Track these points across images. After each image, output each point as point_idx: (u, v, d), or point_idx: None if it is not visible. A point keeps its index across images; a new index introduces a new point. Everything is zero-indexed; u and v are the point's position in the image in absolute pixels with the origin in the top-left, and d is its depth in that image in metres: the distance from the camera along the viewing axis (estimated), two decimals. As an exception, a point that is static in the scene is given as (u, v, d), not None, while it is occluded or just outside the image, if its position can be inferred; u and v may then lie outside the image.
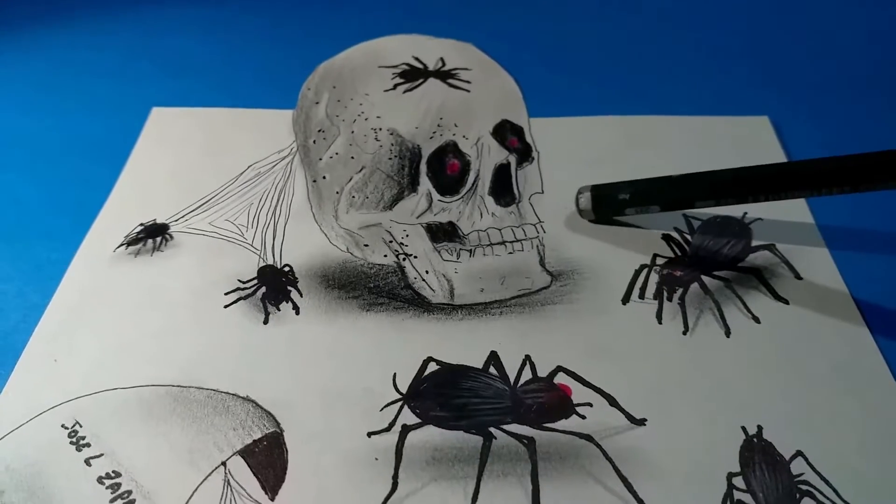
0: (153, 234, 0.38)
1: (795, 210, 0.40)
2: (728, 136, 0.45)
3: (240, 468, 0.29)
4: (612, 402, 0.31)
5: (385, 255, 0.38)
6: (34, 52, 0.52)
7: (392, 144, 0.42)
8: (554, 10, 0.57)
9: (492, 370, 0.33)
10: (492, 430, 0.30)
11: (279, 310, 0.35)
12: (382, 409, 0.31)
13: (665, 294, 0.36)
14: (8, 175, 0.43)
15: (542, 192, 0.41)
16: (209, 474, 0.29)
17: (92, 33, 0.54)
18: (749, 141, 0.44)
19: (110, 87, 0.49)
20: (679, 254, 0.38)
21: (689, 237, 0.39)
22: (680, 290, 0.36)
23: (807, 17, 0.55)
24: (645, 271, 0.37)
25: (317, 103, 0.46)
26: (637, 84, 0.49)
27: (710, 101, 0.47)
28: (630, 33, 0.54)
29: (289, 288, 0.36)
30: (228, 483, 0.28)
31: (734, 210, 0.40)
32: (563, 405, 0.31)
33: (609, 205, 0.38)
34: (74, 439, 0.30)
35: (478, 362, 0.33)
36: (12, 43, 0.53)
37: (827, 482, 0.29)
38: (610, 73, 0.50)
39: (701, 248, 0.38)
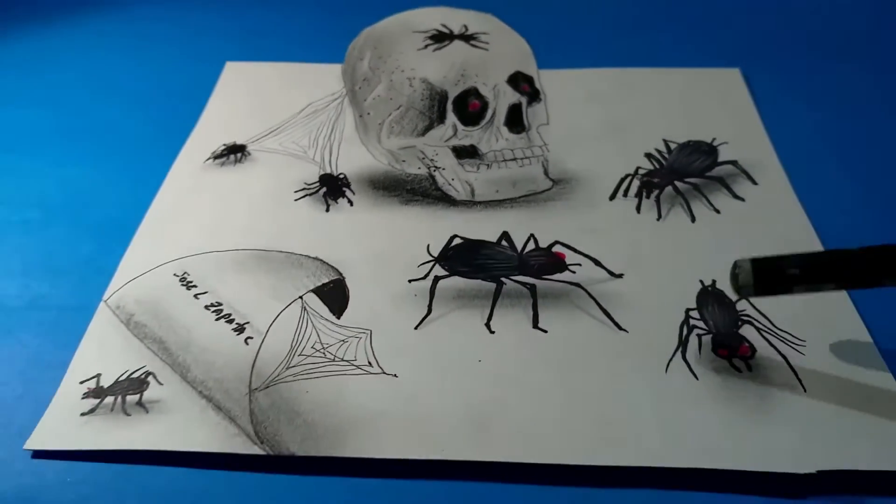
0: (234, 151, 0.48)
1: (756, 139, 0.49)
2: (701, 87, 0.54)
3: (313, 300, 0.38)
4: (598, 262, 0.40)
5: (419, 168, 0.47)
6: (136, 16, 0.63)
7: (424, 89, 0.52)
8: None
9: (503, 243, 0.42)
10: (503, 279, 0.39)
11: (337, 203, 0.45)
12: (419, 266, 0.40)
13: (644, 193, 0.45)
14: (115, 110, 0.53)
15: (548, 124, 0.51)
16: (289, 304, 0.38)
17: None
18: (720, 91, 0.53)
19: (192, 46, 0.59)
20: (657, 167, 0.47)
21: (666, 155, 0.48)
22: (656, 192, 0.45)
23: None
24: (629, 178, 0.46)
25: (361, 59, 0.55)
26: (625, 40, 0.59)
27: (683, 53, 0.56)
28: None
29: (343, 188, 0.45)
30: (304, 309, 0.38)
31: (705, 137, 0.49)
32: (559, 265, 0.40)
33: (774, 280, 0.33)
34: (185, 283, 0.39)
35: (493, 239, 0.42)
36: (116, 8, 0.64)
37: (764, 315, 0.37)
38: (603, 31, 0.60)
39: (675, 163, 0.47)
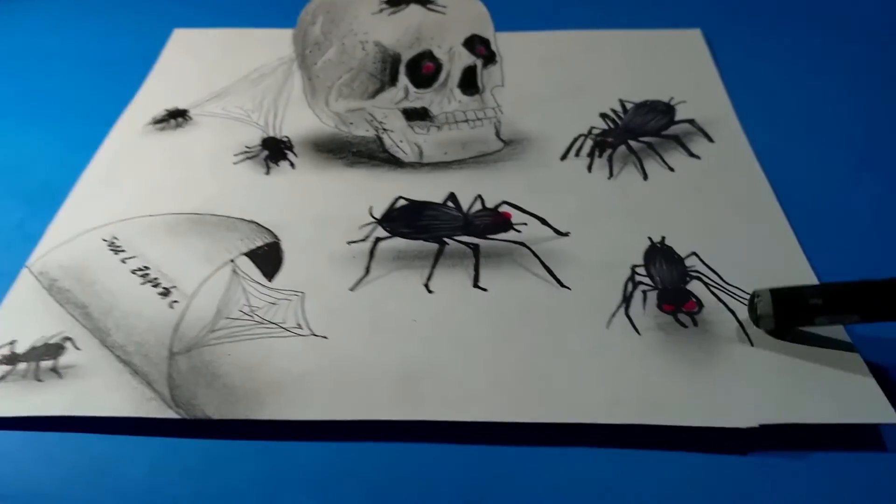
0: (175, 116, 0.46)
1: (715, 99, 0.47)
2: (661, 48, 0.52)
3: (245, 263, 0.37)
4: (544, 221, 0.39)
5: (367, 130, 0.46)
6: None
7: (377, 53, 0.50)
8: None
9: (449, 204, 0.40)
10: (445, 239, 0.38)
11: (278, 166, 0.43)
12: (361, 228, 0.39)
13: (597, 153, 0.43)
14: (58, 77, 0.51)
15: (503, 86, 0.49)
16: (220, 267, 0.36)
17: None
18: (680, 51, 0.52)
19: (138, 13, 0.57)
20: (612, 127, 0.45)
21: (622, 115, 0.46)
22: (609, 151, 0.43)
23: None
24: (582, 138, 0.44)
25: (313, 24, 0.54)
26: (581, 3, 0.57)
27: (644, 14, 0.55)
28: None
29: (286, 151, 0.44)
30: (235, 271, 0.36)
31: (663, 97, 0.47)
32: (504, 224, 0.39)
33: (795, 311, 0.31)
34: (113, 248, 0.38)
35: (439, 201, 0.40)
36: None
37: (713, 270, 0.36)
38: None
39: (631, 122, 0.45)
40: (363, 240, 0.38)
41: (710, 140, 0.44)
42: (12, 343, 0.33)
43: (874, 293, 0.31)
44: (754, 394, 0.30)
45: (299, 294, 0.35)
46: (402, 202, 0.40)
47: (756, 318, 0.32)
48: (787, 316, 0.31)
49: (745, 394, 0.30)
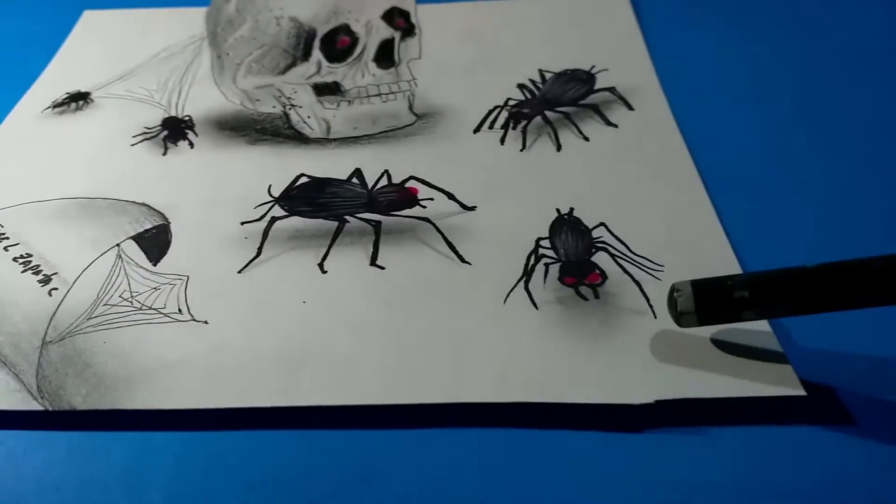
0: (76, 99, 0.44)
1: (639, 66, 0.45)
2: (585, 13, 0.50)
3: (131, 248, 0.35)
4: (451, 196, 0.37)
5: (273, 107, 0.44)
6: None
7: (291, 28, 0.48)
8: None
9: (354, 180, 0.39)
10: (346, 217, 0.36)
11: (177, 146, 0.41)
12: (256, 208, 0.37)
13: (511, 125, 0.42)
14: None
15: (420, 58, 0.47)
16: (104, 252, 0.34)
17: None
18: (605, 17, 0.50)
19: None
20: (529, 97, 0.44)
21: (540, 86, 0.45)
22: (524, 122, 0.42)
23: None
24: (497, 110, 0.43)
25: (227, 1, 0.52)
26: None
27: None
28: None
29: (186, 131, 0.42)
30: (120, 256, 0.34)
31: (586, 66, 0.46)
32: (409, 200, 0.37)
33: (719, 304, 0.28)
34: (-4, 236, 0.36)
35: (344, 177, 0.39)
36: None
37: (622, 242, 0.34)
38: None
39: (548, 92, 0.44)
40: (258, 220, 0.36)
41: (630, 108, 0.42)
42: None
43: (806, 283, 0.27)
44: (654, 368, 0.29)
45: (183, 278, 0.33)
46: (303, 179, 0.39)
47: (678, 316, 0.29)
48: (710, 312, 0.28)
49: (644, 368, 0.29)
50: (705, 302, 0.28)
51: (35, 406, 0.28)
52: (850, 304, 0.27)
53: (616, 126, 0.41)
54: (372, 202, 0.37)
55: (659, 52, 0.47)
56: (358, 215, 0.36)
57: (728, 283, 0.28)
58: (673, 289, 0.29)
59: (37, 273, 0.34)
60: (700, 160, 0.39)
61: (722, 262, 0.33)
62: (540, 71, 0.46)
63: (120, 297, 0.32)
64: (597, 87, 0.44)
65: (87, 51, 0.49)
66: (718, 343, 0.30)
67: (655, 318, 0.31)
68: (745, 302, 0.28)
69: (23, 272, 0.34)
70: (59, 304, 0.32)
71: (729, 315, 0.28)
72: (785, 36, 0.49)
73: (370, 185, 0.38)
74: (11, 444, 0.27)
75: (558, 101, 0.43)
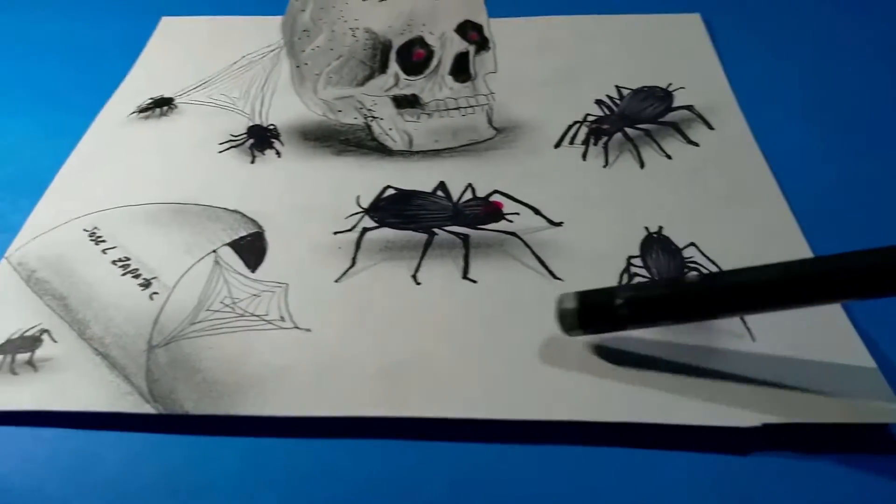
0: (160, 104, 0.45)
1: (715, 84, 0.46)
2: (660, 33, 0.51)
3: (228, 254, 0.35)
4: (536, 211, 0.38)
5: (355, 118, 0.45)
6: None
7: (367, 39, 0.49)
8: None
9: (439, 193, 0.39)
10: (435, 230, 0.37)
11: (264, 154, 0.42)
12: (347, 218, 0.37)
13: (592, 140, 0.42)
14: (42, 65, 0.50)
15: (496, 72, 0.48)
16: (202, 258, 0.35)
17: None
18: (679, 36, 0.50)
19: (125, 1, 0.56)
20: (607, 113, 0.44)
21: (618, 102, 0.45)
22: (605, 138, 0.42)
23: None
24: (577, 125, 0.43)
25: (302, 10, 0.52)
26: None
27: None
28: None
29: (272, 140, 0.43)
30: (217, 262, 0.35)
31: (661, 83, 0.46)
32: (495, 213, 0.38)
33: (600, 316, 0.29)
34: (94, 238, 0.36)
35: (429, 189, 0.39)
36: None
37: (712, 262, 0.35)
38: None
39: (627, 109, 0.44)
40: (350, 230, 0.37)
41: (710, 127, 0.43)
42: (-12, 336, 0.32)
43: (689, 297, 0.29)
44: (756, 391, 0.29)
45: (283, 285, 0.34)
46: (390, 191, 0.39)
47: (564, 327, 0.30)
48: (592, 321, 0.30)
49: (747, 391, 0.29)
50: (587, 312, 0.30)
51: (148, 409, 0.29)
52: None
53: (697, 145, 0.41)
54: (458, 215, 0.38)
55: (733, 70, 0.47)
56: (446, 228, 0.37)
57: (607, 294, 0.29)
58: (559, 301, 0.30)
59: (136, 277, 0.34)
60: (781, 178, 0.39)
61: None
62: (617, 87, 0.46)
63: (221, 302, 0.33)
64: (674, 105, 0.44)
65: (167, 57, 0.50)
66: (821, 367, 0.30)
67: (754, 340, 0.31)
68: (625, 317, 0.29)
69: (122, 275, 0.35)
70: (162, 308, 0.33)
71: (612, 324, 0.30)
72: (859, 52, 0.49)
73: (455, 199, 0.39)
74: (127, 447, 0.28)
75: (637, 118, 0.43)
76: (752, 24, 0.52)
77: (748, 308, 0.29)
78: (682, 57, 0.48)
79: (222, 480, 0.27)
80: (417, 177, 0.40)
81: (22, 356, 0.31)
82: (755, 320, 0.31)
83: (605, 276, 0.34)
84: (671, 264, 0.35)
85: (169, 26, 0.53)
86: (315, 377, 0.30)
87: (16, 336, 0.32)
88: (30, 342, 0.32)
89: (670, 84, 0.46)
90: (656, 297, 0.29)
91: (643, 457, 0.28)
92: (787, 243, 0.35)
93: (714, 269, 0.34)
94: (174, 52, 0.50)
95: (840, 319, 0.31)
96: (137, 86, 0.47)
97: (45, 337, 0.32)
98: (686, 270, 0.34)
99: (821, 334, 0.31)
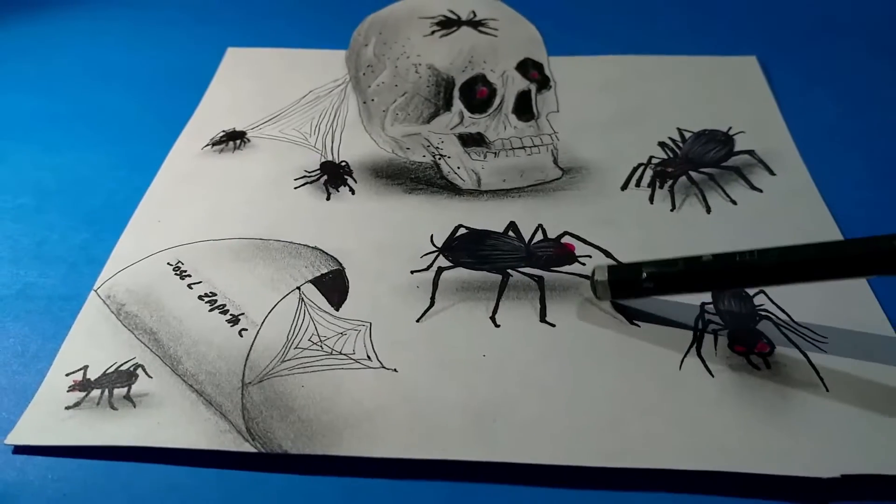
0: (233, 138, 0.47)
1: (774, 129, 0.47)
2: (717, 75, 0.52)
3: (311, 291, 0.37)
4: (608, 254, 0.38)
5: (423, 156, 0.46)
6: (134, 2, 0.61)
7: (430, 76, 0.50)
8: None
9: (510, 234, 0.40)
10: (509, 271, 0.38)
11: (338, 191, 0.43)
12: (422, 257, 0.39)
13: (657, 183, 0.43)
14: (113, 96, 0.51)
15: (558, 111, 0.49)
16: (286, 294, 0.36)
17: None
18: (736, 78, 0.51)
19: (192, 32, 0.58)
20: (671, 156, 0.45)
21: (680, 144, 0.46)
22: (670, 181, 0.43)
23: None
24: (641, 168, 0.44)
25: (366, 45, 0.54)
26: (638, 27, 0.57)
27: (701, 41, 0.54)
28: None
29: (345, 176, 0.44)
30: (302, 300, 0.36)
31: (721, 126, 0.47)
32: (568, 256, 0.39)
33: (629, 287, 0.34)
34: (178, 272, 0.38)
35: (499, 229, 0.40)
36: None
37: (782, 309, 0.35)
38: (616, 18, 0.58)
39: (690, 152, 0.45)
40: (426, 269, 0.38)
41: (772, 173, 0.43)
42: (85, 369, 0.33)
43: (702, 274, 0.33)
44: (833, 441, 0.30)
45: (366, 324, 0.35)
46: (462, 231, 0.40)
47: (595, 291, 0.35)
48: (622, 291, 0.34)
49: (824, 441, 0.30)
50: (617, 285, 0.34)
51: (248, 448, 0.30)
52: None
53: (760, 191, 0.42)
54: (531, 257, 0.39)
55: (791, 114, 0.48)
56: (519, 269, 0.38)
57: (635, 270, 0.34)
58: (592, 272, 0.35)
59: (224, 312, 0.35)
60: (843, 225, 0.40)
61: (877, 330, 0.34)
62: (679, 130, 0.47)
63: (309, 340, 0.34)
64: (736, 149, 0.45)
65: (235, 89, 0.51)
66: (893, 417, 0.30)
67: (827, 391, 0.32)
68: (650, 289, 0.34)
69: (210, 311, 0.36)
70: (252, 345, 0.34)
71: (638, 294, 0.35)
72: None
73: (527, 240, 0.40)
74: (227, 484, 0.29)
75: (700, 162, 0.44)
76: (806, 66, 0.53)
77: (751, 283, 0.34)
78: (740, 100, 0.49)
79: (321, 520, 0.28)
80: (487, 216, 0.41)
81: (119, 391, 0.32)
82: (828, 373, 0.32)
83: (679, 321, 0.35)
84: (743, 310, 0.35)
85: (235, 57, 0.55)
86: (406, 419, 0.31)
87: (111, 370, 0.33)
88: (125, 376, 0.33)
89: (730, 128, 0.47)
90: (676, 273, 0.34)
91: (726, 505, 0.29)
92: (853, 291, 0.36)
93: (784, 317, 0.35)
94: (242, 85, 0.52)
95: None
96: (208, 118, 0.49)
97: (139, 371, 0.33)
98: (758, 318, 0.35)
99: (892, 386, 0.32)
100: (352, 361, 0.33)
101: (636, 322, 0.35)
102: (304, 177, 0.44)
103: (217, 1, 0.61)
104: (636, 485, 0.29)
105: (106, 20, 0.60)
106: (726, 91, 0.50)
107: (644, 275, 0.33)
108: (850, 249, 0.32)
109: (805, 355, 0.33)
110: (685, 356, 0.33)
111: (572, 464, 0.29)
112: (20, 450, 0.31)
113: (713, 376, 0.32)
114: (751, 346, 0.34)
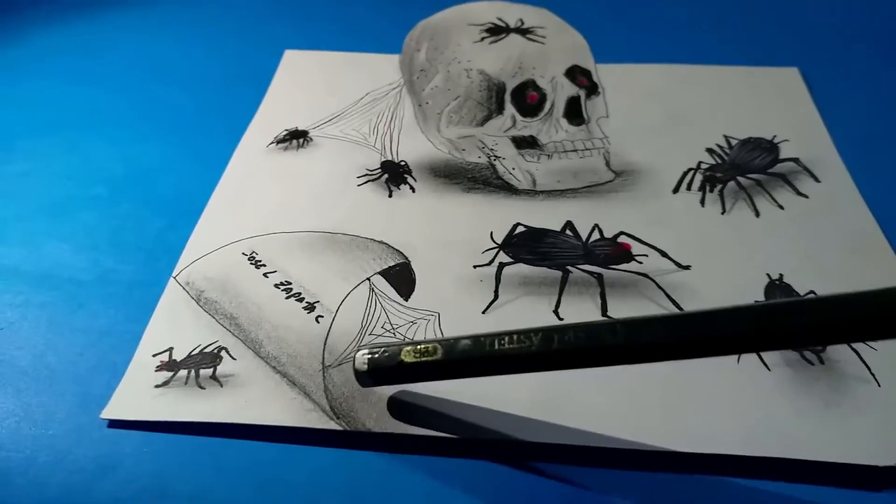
0: (296, 136, 0.49)
1: (817, 138, 0.48)
2: (760, 85, 0.53)
3: (381, 282, 0.38)
4: (664, 254, 0.40)
5: (479, 157, 0.47)
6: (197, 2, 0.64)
7: (481, 81, 0.52)
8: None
9: (567, 232, 0.42)
10: (569, 268, 0.39)
11: (399, 189, 0.45)
12: (484, 252, 0.40)
13: (707, 187, 0.45)
14: (176, 93, 0.53)
15: (608, 117, 0.51)
16: (357, 285, 0.38)
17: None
18: (779, 89, 0.53)
19: (251, 33, 0.60)
20: (719, 162, 0.47)
21: (727, 151, 0.48)
22: (720, 186, 0.45)
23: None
24: (691, 172, 0.46)
25: (418, 51, 0.56)
26: (682, 36, 0.59)
27: (744, 51, 0.56)
28: None
29: (405, 175, 0.46)
30: (373, 290, 0.38)
31: (765, 134, 0.49)
32: (625, 255, 0.40)
33: (387, 375, 0.31)
34: (253, 262, 0.40)
35: (556, 228, 0.42)
36: None
37: (832, 310, 0.37)
38: (660, 27, 0.60)
39: (737, 158, 0.47)
40: (488, 264, 0.40)
41: (816, 180, 0.45)
42: (170, 350, 0.35)
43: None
44: (887, 432, 0.31)
45: (435, 314, 0.37)
46: (521, 228, 0.42)
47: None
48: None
49: (878, 432, 0.31)
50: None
51: (333, 426, 0.31)
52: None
53: (806, 196, 0.44)
54: (589, 254, 0.40)
55: (833, 124, 0.49)
56: (578, 266, 0.40)
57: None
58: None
59: (300, 300, 0.37)
60: (888, 230, 0.41)
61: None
62: (725, 136, 0.48)
63: (382, 328, 0.36)
64: (781, 157, 0.47)
65: (295, 90, 0.53)
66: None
67: (879, 385, 0.33)
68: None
69: (286, 298, 0.37)
70: (329, 331, 0.36)
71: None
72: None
73: (584, 238, 0.41)
74: (315, 461, 0.31)
75: (747, 168, 0.46)
76: (849, 77, 0.54)
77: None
78: (783, 109, 0.51)
79: (403, 496, 0.30)
80: (544, 215, 0.43)
81: (205, 371, 0.34)
82: (879, 368, 0.34)
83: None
84: (796, 311, 0.37)
85: (292, 59, 0.57)
86: (477, 402, 0.32)
87: (195, 352, 0.35)
88: (210, 358, 0.34)
89: (775, 136, 0.48)
90: (430, 363, 0.30)
91: (779, 489, 0.30)
92: None
93: (836, 316, 0.37)
94: (301, 85, 0.54)
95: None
96: (270, 117, 0.51)
97: (223, 354, 0.35)
98: (810, 317, 0.37)
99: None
100: (425, 348, 0.35)
101: (694, 318, 0.37)
102: (366, 175, 0.46)
103: (274, 4, 0.63)
104: (694, 467, 0.31)
105: (169, 20, 0.62)
106: (769, 101, 0.52)
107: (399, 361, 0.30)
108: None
109: (856, 352, 0.35)
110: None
111: (631, 447, 0.31)
112: (115, 424, 0.32)
113: (769, 370, 0.34)
114: (805, 342, 0.35)
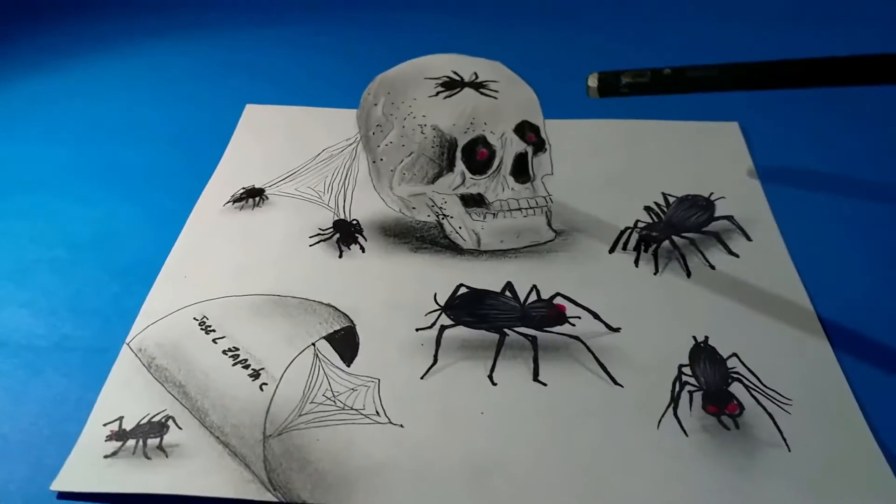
0: (253, 195, 0.50)
1: (752, 194, 0.51)
2: (700, 139, 0.56)
3: (325, 347, 0.40)
4: (596, 316, 0.42)
5: (428, 216, 0.50)
6: (159, 59, 0.65)
7: (434, 137, 0.54)
8: (562, 36, 0.69)
9: (507, 294, 0.44)
10: (505, 330, 0.41)
11: (350, 249, 0.47)
12: (427, 315, 0.42)
13: (642, 247, 0.47)
14: (139, 150, 0.55)
15: (552, 174, 0.53)
16: (302, 350, 0.40)
17: (197, 43, 0.67)
18: (719, 144, 0.55)
19: (213, 88, 0.62)
20: (656, 220, 0.49)
21: (665, 209, 0.50)
22: (654, 246, 0.47)
23: (776, 25, 0.66)
24: (628, 231, 0.48)
25: (375, 105, 0.58)
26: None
27: (688, 105, 0.58)
28: (618, 49, 0.66)
29: (356, 235, 0.48)
30: (317, 356, 0.40)
31: (703, 191, 0.51)
32: (559, 317, 0.42)
33: (613, 90, 0.42)
34: (203, 327, 0.41)
35: (497, 288, 0.44)
36: (139, 50, 0.66)
37: (752, 373, 0.39)
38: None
39: (674, 217, 0.49)
40: (430, 327, 0.42)
41: (749, 238, 0.47)
42: (121, 419, 0.37)
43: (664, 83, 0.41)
44: (794, 499, 0.33)
45: (375, 381, 0.39)
46: (463, 290, 0.44)
47: (588, 89, 0.42)
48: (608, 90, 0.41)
49: (785, 498, 0.33)
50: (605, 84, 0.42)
51: (270, 497, 0.33)
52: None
53: (737, 256, 0.46)
54: (525, 316, 0.42)
55: (769, 178, 0.52)
56: (515, 329, 0.42)
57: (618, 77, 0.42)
58: (588, 77, 0.42)
59: (246, 367, 0.39)
60: (813, 292, 0.43)
61: (839, 396, 0.38)
62: (663, 194, 0.51)
63: (323, 395, 0.38)
64: (716, 214, 0.49)
65: (253, 146, 0.55)
66: (845, 479, 0.34)
67: (790, 451, 0.35)
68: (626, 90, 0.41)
69: (233, 365, 0.39)
70: (272, 399, 0.37)
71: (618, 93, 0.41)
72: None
73: (522, 299, 0.43)
74: (252, 529, 0.33)
75: (683, 227, 0.48)
76: (785, 132, 0.57)
77: (703, 89, 0.41)
78: (722, 164, 0.53)
79: (335, 564, 0.32)
80: (486, 276, 0.45)
81: (153, 441, 0.36)
82: (790, 434, 0.36)
83: (659, 383, 0.38)
84: (717, 374, 0.39)
85: (253, 114, 0.59)
86: (411, 473, 0.34)
87: (144, 421, 0.37)
88: (157, 427, 0.36)
89: (711, 193, 0.51)
90: (646, 83, 0.41)
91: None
92: (818, 358, 0.40)
93: (755, 380, 0.39)
94: (259, 142, 0.56)
95: (866, 442, 0.36)
96: (229, 174, 0.53)
97: (170, 423, 0.36)
98: (730, 381, 0.39)
99: (848, 450, 0.35)
100: (362, 417, 0.37)
101: (620, 383, 0.39)
102: (318, 234, 0.48)
103: (235, 59, 0.65)
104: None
105: (129, 77, 0.64)
106: (709, 155, 0.54)
107: (622, 81, 0.41)
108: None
109: (771, 417, 0.37)
110: (662, 416, 0.37)
111: (560, 516, 0.33)
112: (64, 495, 0.34)
113: (687, 435, 0.36)
114: (722, 406, 0.37)
